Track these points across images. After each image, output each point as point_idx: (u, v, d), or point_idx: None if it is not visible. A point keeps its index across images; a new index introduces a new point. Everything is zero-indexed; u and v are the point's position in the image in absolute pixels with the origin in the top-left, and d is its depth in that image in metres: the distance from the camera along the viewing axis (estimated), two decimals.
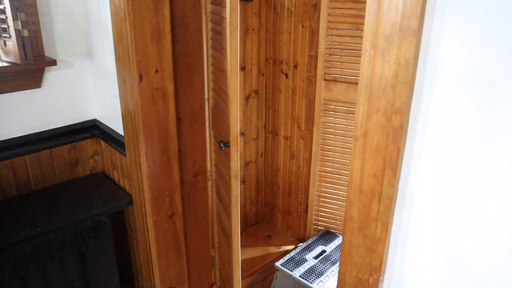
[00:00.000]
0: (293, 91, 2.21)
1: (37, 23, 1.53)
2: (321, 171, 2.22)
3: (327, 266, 1.99)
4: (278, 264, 2.03)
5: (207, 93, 1.67)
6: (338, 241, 2.20)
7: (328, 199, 2.26)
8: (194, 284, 1.91)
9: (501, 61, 0.55)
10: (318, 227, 2.35)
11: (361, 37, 1.78)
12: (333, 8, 1.92)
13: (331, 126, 2.12)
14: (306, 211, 2.34)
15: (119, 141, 1.65)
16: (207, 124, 1.72)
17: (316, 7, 1.96)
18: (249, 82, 2.28)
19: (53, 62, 1.55)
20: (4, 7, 1.41)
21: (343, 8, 1.90)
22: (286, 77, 2.21)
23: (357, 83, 1.92)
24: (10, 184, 1.63)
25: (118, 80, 1.51)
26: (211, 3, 1.47)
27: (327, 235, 2.25)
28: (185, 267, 1.83)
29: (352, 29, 1.93)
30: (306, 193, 2.31)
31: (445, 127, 0.63)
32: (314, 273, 1.96)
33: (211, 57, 1.58)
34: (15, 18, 1.40)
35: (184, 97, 1.58)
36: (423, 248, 0.72)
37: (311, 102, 2.14)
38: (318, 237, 2.23)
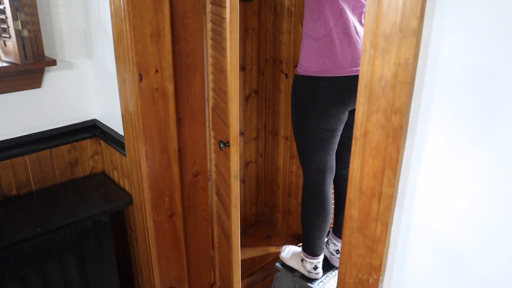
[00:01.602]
0: None
1: (37, 23, 1.53)
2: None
3: (328, 267, 1.99)
4: (278, 264, 2.03)
5: (207, 93, 1.67)
6: None
7: None
8: (194, 284, 1.91)
9: (501, 61, 0.55)
10: None
11: None
12: None
13: None
14: None
15: (119, 141, 1.65)
16: (207, 124, 1.72)
17: None
18: (249, 82, 2.28)
19: (53, 62, 1.55)
20: (4, 7, 1.41)
21: None
22: (286, 77, 2.21)
23: None
24: (10, 184, 1.63)
25: (118, 80, 1.51)
26: (211, 3, 1.47)
27: (327, 235, 2.25)
28: (185, 267, 1.83)
29: None
30: None
31: (445, 127, 0.63)
32: None
33: (211, 57, 1.58)
34: (15, 18, 1.40)
35: (184, 97, 1.58)
36: (423, 248, 0.72)
37: None
38: None
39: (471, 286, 0.66)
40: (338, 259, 2.00)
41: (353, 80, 1.57)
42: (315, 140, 1.68)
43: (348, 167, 1.89)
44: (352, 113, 1.71)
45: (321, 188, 1.77)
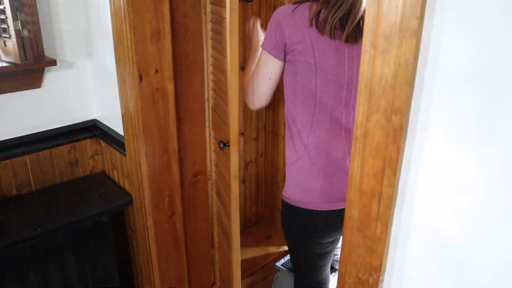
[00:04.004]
0: None
1: (37, 23, 1.53)
2: None
3: None
4: (278, 264, 2.03)
5: (207, 93, 1.67)
6: None
7: None
8: (194, 284, 1.91)
9: (501, 60, 0.55)
10: None
11: None
12: None
13: None
14: None
15: (119, 141, 1.65)
16: (207, 124, 1.72)
17: None
18: None
19: (53, 62, 1.55)
20: (4, 7, 1.41)
21: None
22: None
23: None
24: (10, 184, 1.63)
25: (118, 80, 1.51)
26: (211, 3, 1.47)
27: None
28: (185, 267, 1.83)
29: None
30: None
31: (445, 127, 0.63)
32: None
33: (211, 57, 1.58)
34: (15, 18, 1.40)
35: (184, 97, 1.58)
36: (423, 248, 0.72)
37: None
38: None
39: (471, 286, 0.66)
40: None
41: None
42: (310, 263, 1.43)
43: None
44: None
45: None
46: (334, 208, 1.26)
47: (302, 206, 1.28)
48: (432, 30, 0.60)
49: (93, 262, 1.67)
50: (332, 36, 1.12)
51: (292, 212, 1.32)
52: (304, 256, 1.42)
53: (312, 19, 1.12)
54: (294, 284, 1.53)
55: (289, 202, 1.31)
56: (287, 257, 2.08)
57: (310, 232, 1.32)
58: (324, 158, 1.23)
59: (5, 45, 1.51)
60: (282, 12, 1.16)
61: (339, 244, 1.50)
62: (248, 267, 2.20)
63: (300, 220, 1.31)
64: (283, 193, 1.34)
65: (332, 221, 1.28)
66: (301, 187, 1.27)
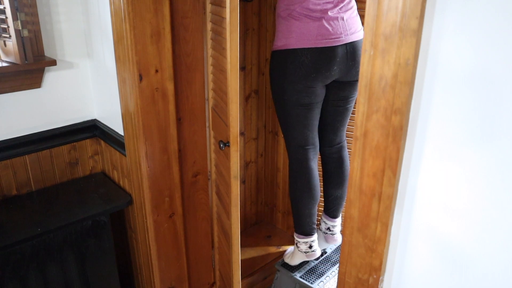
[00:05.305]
0: None
1: (37, 23, 1.53)
2: (321, 171, 2.22)
3: (328, 267, 1.99)
4: (278, 264, 2.03)
5: (207, 93, 1.67)
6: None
7: None
8: (194, 284, 1.91)
9: (501, 61, 0.55)
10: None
11: None
12: None
13: None
14: None
15: (119, 141, 1.65)
16: (207, 124, 1.72)
17: None
18: (249, 82, 2.28)
19: (53, 62, 1.55)
20: (4, 7, 1.41)
21: None
22: None
23: None
24: (10, 184, 1.63)
25: (118, 80, 1.51)
26: (211, 3, 1.47)
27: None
28: (185, 267, 1.83)
29: None
30: None
31: (445, 127, 0.63)
32: (314, 273, 1.96)
33: (211, 57, 1.58)
34: (15, 18, 1.40)
35: (184, 97, 1.58)
36: (423, 248, 0.72)
37: None
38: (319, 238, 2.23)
39: (470, 285, 0.66)
40: (331, 236, 2.03)
41: (318, 53, 1.59)
42: (291, 116, 1.71)
43: (333, 145, 1.89)
44: (330, 89, 1.73)
45: (305, 165, 1.79)
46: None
47: (285, 48, 1.64)
48: (432, 30, 0.60)
49: (93, 262, 1.67)
50: None
51: (276, 59, 1.69)
52: (284, 108, 1.72)
53: None
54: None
55: (277, 49, 1.67)
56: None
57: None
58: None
59: (5, 45, 1.51)
60: None
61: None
62: (248, 267, 2.20)
63: (280, 63, 1.68)
64: (273, 47, 1.72)
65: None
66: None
